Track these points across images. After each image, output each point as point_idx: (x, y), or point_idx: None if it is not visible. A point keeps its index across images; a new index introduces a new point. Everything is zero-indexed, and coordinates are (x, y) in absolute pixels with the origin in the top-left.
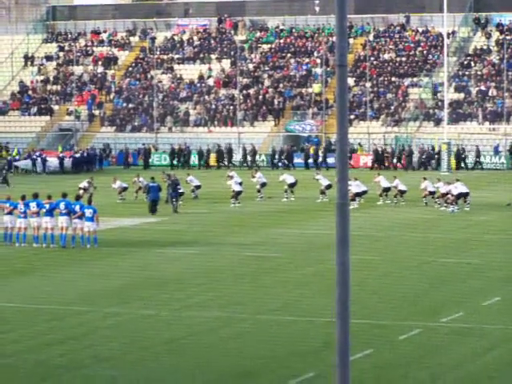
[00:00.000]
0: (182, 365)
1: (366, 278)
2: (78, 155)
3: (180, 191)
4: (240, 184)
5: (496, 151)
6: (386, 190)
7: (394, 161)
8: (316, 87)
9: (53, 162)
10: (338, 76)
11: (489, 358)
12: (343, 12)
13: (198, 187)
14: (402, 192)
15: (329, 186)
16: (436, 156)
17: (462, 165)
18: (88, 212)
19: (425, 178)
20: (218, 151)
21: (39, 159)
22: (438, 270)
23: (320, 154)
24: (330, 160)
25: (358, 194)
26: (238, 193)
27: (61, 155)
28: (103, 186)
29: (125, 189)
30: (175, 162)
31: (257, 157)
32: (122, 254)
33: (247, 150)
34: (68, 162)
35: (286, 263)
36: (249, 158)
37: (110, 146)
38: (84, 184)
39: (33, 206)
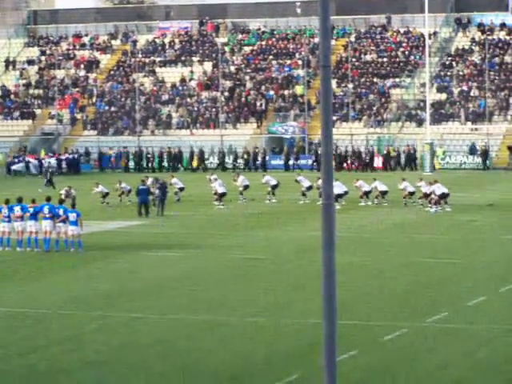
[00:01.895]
0: (170, 368)
1: (353, 279)
2: (70, 156)
3: (166, 194)
4: (223, 186)
5: (472, 151)
6: (367, 192)
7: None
8: (298, 89)
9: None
10: (322, 77)
11: (475, 358)
12: (326, 13)
13: (181, 189)
14: (383, 193)
15: (309, 188)
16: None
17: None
18: (72, 216)
19: (403, 179)
20: (200, 153)
21: (35, 161)
22: (425, 271)
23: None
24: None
25: (340, 195)
26: (222, 195)
27: (60, 157)
28: (86, 190)
29: (106, 194)
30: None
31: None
32: (106, 258)
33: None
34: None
35: (271, 265)
36: (229, 160)
37: (93, 150)
38: (63, 192)
39: (17, 209)
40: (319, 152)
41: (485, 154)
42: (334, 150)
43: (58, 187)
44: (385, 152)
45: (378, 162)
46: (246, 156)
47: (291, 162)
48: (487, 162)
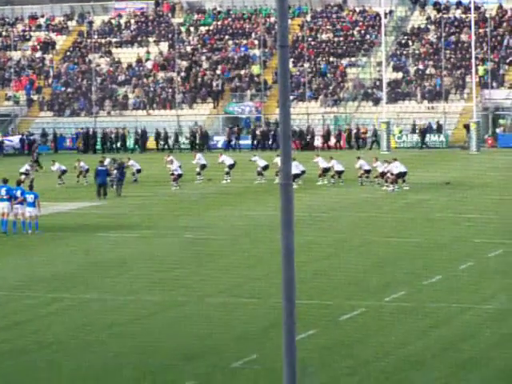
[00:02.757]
0: (127, 349)
1: (311, 259)
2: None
3: (124, 174)
4: (180, 167)
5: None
6: (325, 170)
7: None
8: (255, 69)
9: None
10: (279, 57)
11: (432, 336)
12: None
13: (138, 171)
14: (339, 172)
15: (266, 167)
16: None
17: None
18: (29, 197)
19: (359, 158)
20: (157, 134)
21: None
22: (382, 250)
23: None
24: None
25: (297, 175)
26: (179, 175)
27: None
28: (43, 171)
29: (64, 172)
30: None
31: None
32: (64, 239)
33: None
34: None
35: (229, 245)
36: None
37: (50, 131)
38: (26, 167)
39: None
40: (257, 132)
41: (423, 133)
42: (273, 129)
43: (15, 168)
44: (345, 131)
45: (333, 141)
46: (190, 137)
47: (233, 142)
48: (425, 140)
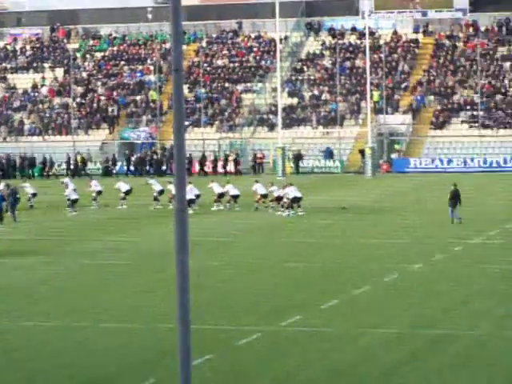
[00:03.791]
0: (20, 376)
1: (208, 283)
2: None
3: (18, 200)
4: (74, 190)
5: (329, 155)
6: (220, 195)
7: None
8: (153, 94)
9: None
10: (174, 80)
11: (330, 360)
12: (178, 17)
13: (34, 195)
14: (234, 197)
15: (161, 192)
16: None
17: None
18: None
19: (257, 181)
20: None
21: None
22: (280, 274)
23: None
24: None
25: (192, 201)
26: (74, 201)
27: None
28: None
29: None
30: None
31: (91, 165)
32: None
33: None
34: None
35: (127, 271)
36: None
37: None
38: None
39: None
40: (132, 158)
41: (297, 159)
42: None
43: None
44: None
45: (229, 166)
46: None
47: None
48: (299, 166)
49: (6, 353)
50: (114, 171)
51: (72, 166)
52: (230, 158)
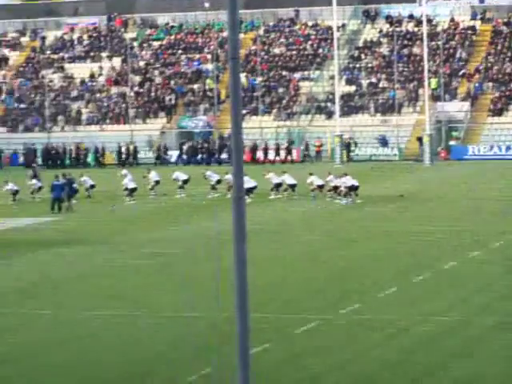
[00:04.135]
0: (76, 364)
1: (264, 272)
2: None
3: (75, 190)
4: (133, 181)
5: (383, 143)
6: (278, 185)
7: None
8: (210, 83)
9: None
10: (230, 69)
11: (388, 348)
12: (234, 5)
13: (92, 186)
14: (292, 186)
15: (218, 181)
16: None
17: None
18: None
19: (311, 174)
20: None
21: None
22: (336, 262)
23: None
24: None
25: (250, 190)
26: (133, 190)
27: None
28: None
29: (17, 192)
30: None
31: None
32: (18, 255)
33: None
34: None
35: (184, 260)
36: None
37: (3, 147)
38: None
39: None
40: (184, 146)
41: (348, 147)
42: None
43: None
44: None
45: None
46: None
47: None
48: (350, 154)
49: (62, 343)
50: (170, 159)
51: (124, 156)
52: (283, 147)
